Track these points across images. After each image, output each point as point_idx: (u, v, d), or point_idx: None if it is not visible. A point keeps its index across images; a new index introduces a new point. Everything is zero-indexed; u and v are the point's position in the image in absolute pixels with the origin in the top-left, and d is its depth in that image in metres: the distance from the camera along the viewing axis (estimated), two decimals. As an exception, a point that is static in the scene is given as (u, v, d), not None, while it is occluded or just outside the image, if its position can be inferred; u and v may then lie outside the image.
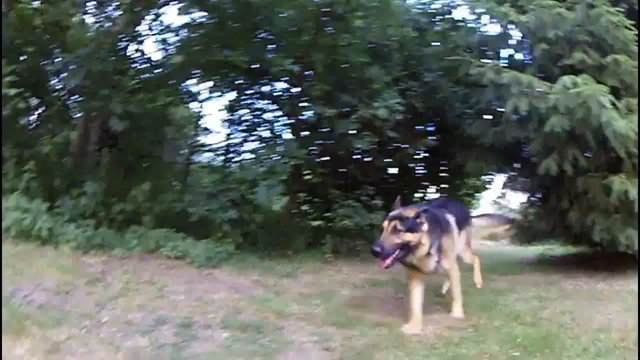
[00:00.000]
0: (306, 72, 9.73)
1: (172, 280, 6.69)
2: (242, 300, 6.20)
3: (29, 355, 3.90)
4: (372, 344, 4.78)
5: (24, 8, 8.83)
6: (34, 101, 9.41)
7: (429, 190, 12.64)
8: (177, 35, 9.87)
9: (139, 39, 9.65)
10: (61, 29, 9.44)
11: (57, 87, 9.73)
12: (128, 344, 4.48)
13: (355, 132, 9.60)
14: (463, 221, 6.39)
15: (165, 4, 9.56)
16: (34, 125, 9.64)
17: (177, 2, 9.38)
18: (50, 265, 6.18)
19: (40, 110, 9.72)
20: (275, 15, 9.49)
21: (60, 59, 9.29)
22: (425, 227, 5.37)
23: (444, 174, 12.53)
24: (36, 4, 9.13)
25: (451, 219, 6.03)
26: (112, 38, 9.12)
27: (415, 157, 11.82)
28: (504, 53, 9.37)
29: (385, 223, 5.38)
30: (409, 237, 5.28)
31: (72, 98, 9.70)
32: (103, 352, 4.26)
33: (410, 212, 5.36)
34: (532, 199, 10.44)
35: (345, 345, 4.75)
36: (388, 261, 5.22)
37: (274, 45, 9.90)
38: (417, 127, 11.39)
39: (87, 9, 9.61)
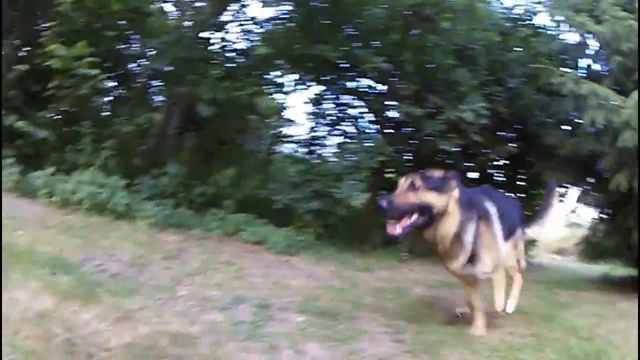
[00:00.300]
0: (393, 71, 9.11)
1: (251, 263, 6.41)
2: (319, 289, 5.93)
3: (98, 321, 3.51)
4: (440, 340, 4.48)
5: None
6: (111, 83, 9.23)
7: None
8: (261, 27, 9.48)
9: (223, 29, 9.25)
10: (140, 16, 9.31)
11: (135, 71, 9.60)
12: (204, 318, 4.22)
13: (439, 133, 8.91)
14: (510, 220, 4.64)
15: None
16: (111, 105, 9.48)
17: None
18: (125, 239, 5.92)
19: (117, 92, 9.59)
20: (363, 13, 9.05)
21: (139, 44, 9.29)
22: (456, 192, 3.98)
23: (521, 183, 11.59)
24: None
25: (492, 209, 4.41)
26: (195, 27, 8.82)
27: (495, 162, 11.09)
28: (582, 63, 8.74)
29: (402, 180, 4.02)
30: (431, 197, 3.86)
31: (151, 82, 9.57)
32: (177, 324, 3.96)
33: (437, 172, 4.01)
34: (602, 215, 9.66)
35: (415, 339, 4.49)
36: (399, 227, 3.83)
37: (360, 43, 9.30)
38: (499, 133, 10.55)
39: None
